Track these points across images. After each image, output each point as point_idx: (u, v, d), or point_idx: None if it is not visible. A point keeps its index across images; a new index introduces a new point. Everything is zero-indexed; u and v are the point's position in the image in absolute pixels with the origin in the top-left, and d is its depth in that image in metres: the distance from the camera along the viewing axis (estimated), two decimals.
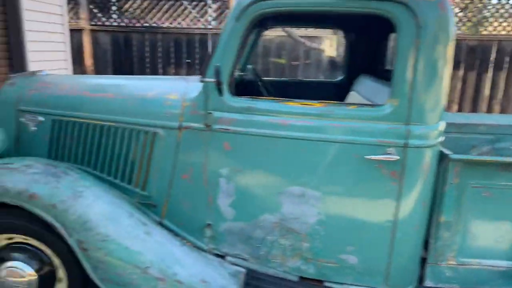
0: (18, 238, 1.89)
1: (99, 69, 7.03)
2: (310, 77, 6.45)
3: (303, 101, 1.78)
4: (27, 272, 1.87)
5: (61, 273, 1.92)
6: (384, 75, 2.73)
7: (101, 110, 2.06)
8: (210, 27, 6.73)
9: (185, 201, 2.00)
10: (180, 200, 2.01)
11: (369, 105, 1.76)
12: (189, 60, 6.88)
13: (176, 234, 2.02)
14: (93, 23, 6.85)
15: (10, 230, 1.85)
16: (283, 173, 1.82)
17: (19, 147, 2.25)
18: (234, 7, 1.79)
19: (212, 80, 1.69)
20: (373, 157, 1.69)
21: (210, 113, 1.83)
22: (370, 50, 2.85)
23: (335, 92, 3.09)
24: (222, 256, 2.01)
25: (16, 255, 1.89)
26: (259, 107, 1.80)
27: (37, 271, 1.88)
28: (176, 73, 6.90)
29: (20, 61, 4.34)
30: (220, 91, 1.70)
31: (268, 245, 1.93)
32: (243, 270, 1.97)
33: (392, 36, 2.70)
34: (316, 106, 1.76)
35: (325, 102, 1.77)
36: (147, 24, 6.79)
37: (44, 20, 4.65)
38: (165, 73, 6.91)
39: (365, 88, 2.54)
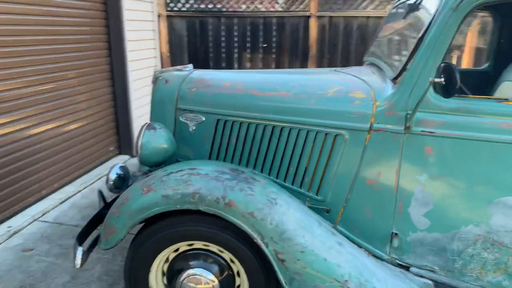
0: (199, 244, 1.84)
1: (175, 55, 7.01)
2: None
3: None
4: (208, 278, 1.82)
5: (240, 280, 1.86)
6: None
7: (274, 110, 1.94)
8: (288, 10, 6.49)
9: (367, 208, 1.86)
10: (360, 207, 1.88)
11: None
12: (265, 45, 6.71)
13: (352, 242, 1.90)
14: (168, 8, 6.79)
15: (196, 237, 1.79)
16: (496, 181, 1.64)
17: (176, 146, 2.19)
18: None
19: (440, 80, 1.50)
20: None
21: (412, 114, 1.66)
22: None
23: (478, 82, 2.84)
24: (404, 267, 1.88)
25: (196, 261, 1.85)
26: (474, 107, 1.61)
27: (217, 276, 1.83)
28: (251, 59, 6.76)
29: (119, 52, 4.34)
30: (448, 92, 1.52)
31: (465, 258, 1.76)
32: (430, 282, 1.83)
33: None
34: None
35: None
36: (224, 8, 6.64)
37: (138, 8, 4.61)
38: (240, 58, 6.79)
39: None
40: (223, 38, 6.78)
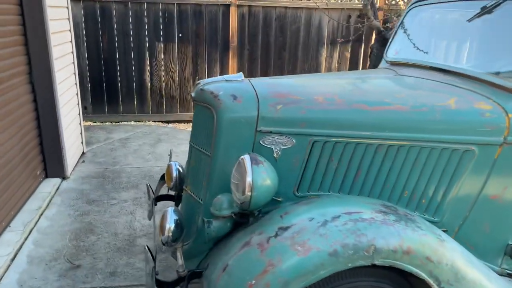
0: None
1: None
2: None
3: None
4: None
5: None
6: None
7: (390, 127, 1.67)
8: None
9: (486, 223, 1.78)
10: (478, 223, 1.78)
11: None
12: (180, 35, 6.11)
13: None
14: None
15: None
16: None
17: None
18: None
19: None
20: None
21: None
22: None
23: None
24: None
25: None
26: None
27: None
28: (166, 50, 6.09)
29: (41, 46, 3.36)
30: None
31: None
32: None
33: None
34: None
35: None
36: None
37: None
38: (152, 49, 6.05)
39: None
40: (131, 26, 5.92)
